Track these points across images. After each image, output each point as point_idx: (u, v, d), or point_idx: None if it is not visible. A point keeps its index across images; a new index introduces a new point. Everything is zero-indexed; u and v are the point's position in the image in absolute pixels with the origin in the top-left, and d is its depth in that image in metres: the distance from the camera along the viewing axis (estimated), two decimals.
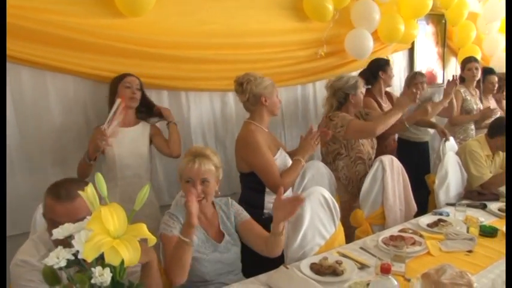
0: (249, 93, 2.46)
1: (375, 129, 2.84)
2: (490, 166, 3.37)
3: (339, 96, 2.99)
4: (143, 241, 1.21)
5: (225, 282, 1.98)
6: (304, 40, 3.50)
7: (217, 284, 1.98)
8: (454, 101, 3.98)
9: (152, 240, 1.22)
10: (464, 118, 4.15)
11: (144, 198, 1.27)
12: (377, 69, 3.59)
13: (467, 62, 4.27)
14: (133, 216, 1.23)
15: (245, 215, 2.13)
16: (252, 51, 3.23)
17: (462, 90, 4.14)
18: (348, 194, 3.01)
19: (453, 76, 3.76)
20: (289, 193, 2.61)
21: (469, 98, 4.16)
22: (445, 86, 3.69)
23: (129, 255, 1.12)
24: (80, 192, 1.22)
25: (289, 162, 2.59)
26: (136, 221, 1.23)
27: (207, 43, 3.01)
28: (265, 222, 2.15)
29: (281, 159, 2.56)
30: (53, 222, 1.47)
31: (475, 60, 4.27)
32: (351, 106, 3.00)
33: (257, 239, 2.05)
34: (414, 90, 3.04)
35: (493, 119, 3.67)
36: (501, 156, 3.45)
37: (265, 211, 2.48)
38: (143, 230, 1.19)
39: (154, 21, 2.76)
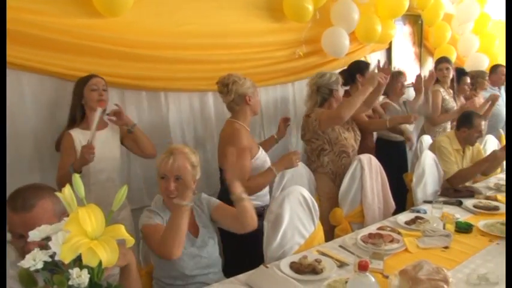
0: (235, 93, 2.55)
1: (340, 113, 2.87)
2: (461, 160, 3.46)
3: (323, 92, 3.04)
4: (122, 244, 1.21)
5: (205, 282, 1.98)
6: (283, 40, 3.51)
7: (198, 284, 1.98)
8: (430, 97, 4.05)
9: (130, 241, 1.22)
10: (444, 117, 4.22)
11: (122, 199, 1.26)
12: (355, 72, 3.62)
13: (439, 63, 4.34)
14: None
15: (216, 200, 2.17)
16: (231, 52, 3.23)
17: (441, 90, 4.21)
18: (336, 188, 3.02)
19: (430, 72, 3.84)
20: (265, 192, 2.67)
21: (447, 98, 4.24)
22: (415, 82, 3.78)
23: (107, 256, 1.12)
24: (58, 193, 1.21)
25: (268, 161, 2.64)
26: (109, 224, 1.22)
27: (186, 43, 3.00)
28: None
29: (262, 158, 2.62)
30: (13, 233, 1.44)
31: (446, 60, 4.34)
32: (334, 101, 3.05)
33: (231, 218, 2.08)
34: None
35: None
36: (471, 150, 3.55)
37: None
38: (121, 230, 1.18)
39: (132, 21, 2.74)
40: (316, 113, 2.99)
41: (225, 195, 2.44)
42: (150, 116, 2.99)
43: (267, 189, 2.71)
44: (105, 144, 2.48)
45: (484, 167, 3.34)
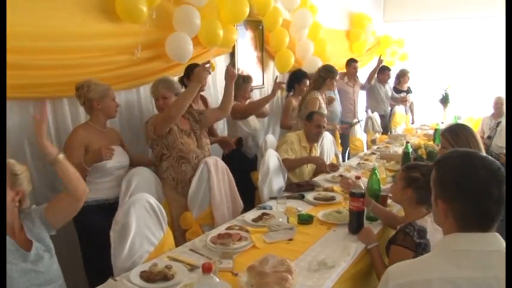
0: (83, 98, 2.77)
1: (168, 112, 2.93)
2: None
3: None
4: None
5: None
6: (125, 44, 3.34)
7: None
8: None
9: None
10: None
11: None
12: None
13: (335, 74, 4.75)
14: None
15: (43, 206, 2.04)
16: (70, 56, 2.96)
17: (319, 98, 4.53)
18: (179, 196, 2.99)
19: (276, 78, 4.13)
20: (109, 186, 2.81)
21: (323, 106, 4.56)
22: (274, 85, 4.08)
23: None
24: None
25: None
26: None
27: (19, 46, 2.63)
28: None
29: None
30: None
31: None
32: None
33: (64, 200, 2.04)
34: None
35: None
36: (317, 149, 3.91)
37: None
38: None
39: None
40: (152, 118, 3.01)
41: None
42: None
43: (111, 182, 2.80)
44: None
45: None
